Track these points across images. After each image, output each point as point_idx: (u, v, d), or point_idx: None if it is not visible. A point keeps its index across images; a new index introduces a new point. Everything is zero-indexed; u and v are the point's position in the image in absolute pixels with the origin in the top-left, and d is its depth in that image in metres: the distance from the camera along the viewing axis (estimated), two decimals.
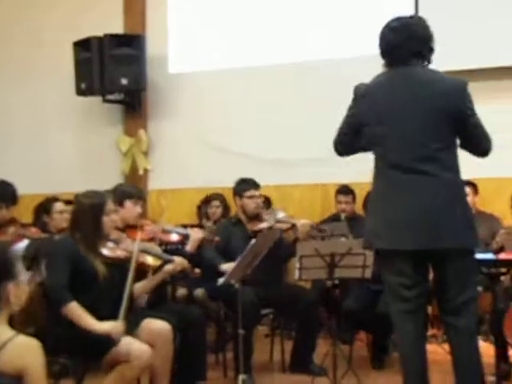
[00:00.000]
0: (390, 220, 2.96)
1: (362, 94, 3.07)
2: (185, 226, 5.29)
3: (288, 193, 6.45)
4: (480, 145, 2.99)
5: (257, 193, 4.79)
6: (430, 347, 4.42)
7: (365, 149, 3.14)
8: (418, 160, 2.92)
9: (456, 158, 3.00)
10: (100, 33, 6.69)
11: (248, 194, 4.76)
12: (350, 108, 3.13)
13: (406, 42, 2.98)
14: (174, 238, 4.23)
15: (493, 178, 5.73)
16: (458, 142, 3.03)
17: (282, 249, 4.60)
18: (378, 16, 5.88)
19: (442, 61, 5.55)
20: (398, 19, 3.06)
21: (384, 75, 3.08)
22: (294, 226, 4.64)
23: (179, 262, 3.87)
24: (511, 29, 5.68)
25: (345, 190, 5.73)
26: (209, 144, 6.79)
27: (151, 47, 6.88)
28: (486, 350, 3.60)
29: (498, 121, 5.46)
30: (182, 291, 5.06)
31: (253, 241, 3.81)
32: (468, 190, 5.60)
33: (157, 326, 3.53)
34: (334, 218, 5.70)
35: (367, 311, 4.64)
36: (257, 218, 4.76)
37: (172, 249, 4.16)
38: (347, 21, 6.35)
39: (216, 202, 6.05)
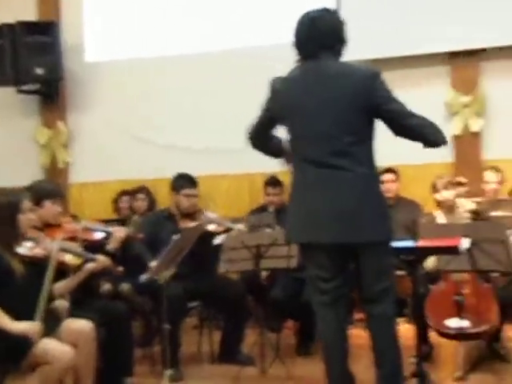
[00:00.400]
0: (306, 214, 2.98)
1: (276, 89, 3.07)
2: (108, 222, 5.20)
3: (215, 183, 6.40)
4: (418, 135, 2.95)
5: (194, 191, 4.72)
6: (356, 331, 4.50)
7: (274, 153, 3.17)
8: (331, 154, 2.93)
9: (371, 151, 3.02)
10: (11, 20, 6.44)
11: (184, 191, 4.69)
12: (266, 102, 3.13)
13: (314, 35, 2.98)
14: (96, 236, 4.13)
15: (413, 165, 5.85)
16: (373, 133, 3.03)
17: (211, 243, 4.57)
18: (301, 3, 5.94)
19: (365, 49, 5.78)
20: (308, 13, 3.06)
21: (297, 69, 3.07)
22: (228, 230, 4.60)
23: (101, 260, 3.80)
24: (428, 18, 5.79)
25: (273, 182, 5.71)
26: (131, 135, 6.66)
27: (66, 35, 6.69)
28: (409, 332, 3.68)
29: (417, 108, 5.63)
30: (107, 286, 4.96)
31: (176, 236, 3.76)
32: (391, 176, 5.73)
33: (78, 325, 3.47)
34: (263, 210, 5.69)
35: (294, 300, 4.67)
36: (190, 216, 4.69)
37: (95, 247, 4.06)
38: (272, 8, 6.33)
39: (141, 195, 5.93)
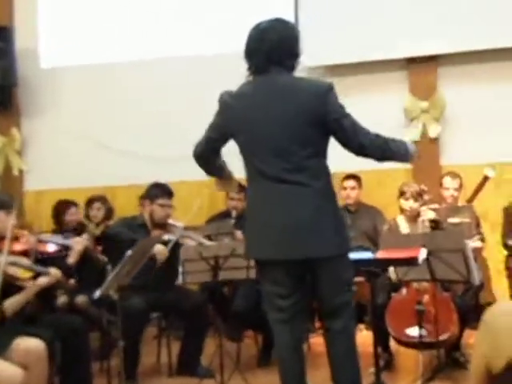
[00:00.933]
0: (261, 230, 2.93)
1: (226, 103, 3.00)
2: (64, 231, 5.08)
3: (174, 190, 6.30)
4: (357, 145, 2.93)
5: (169, 202, 4.61)
6: (317, 339, 4.48)
7: (217, 175, 3.13)
8: (286, 169, 2.88)
9: (325, 164, 2.98)
10: None
11: (160, 201, 4.56)
12: (215, 116, 3.06)
13: (263, 49, 2.91)
14: (52, 248, 4.01)
15: (374, 171, 5.83)
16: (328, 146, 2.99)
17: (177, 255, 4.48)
18: (256, 10, 5.92)
19: (324, 55, 5.77)
20: (259, 24, 2.98)
21: (247, 84, 3.00)
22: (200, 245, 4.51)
23: (54, 273, 3.70)
24: (386, 24, 5.80)
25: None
26: (88, 141, 6.54)
27: (20, 40, 6.53)
28: (370, 339, 3.67)
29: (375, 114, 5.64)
30: (62, 299, 4.85)
31: (129, 251, 3.67)
32: (352, 183, 5.72)
33: (28, 344, 3.36)
34: (226, 215, 5.63)
35: (255, 311, 4.62)
36: (163, 226, 4.59)
37: (53, 259, 3.95)
38: (220, 16, 6.29)
39: (97, 204, 5.77)
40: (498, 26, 5.61)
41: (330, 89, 2.91)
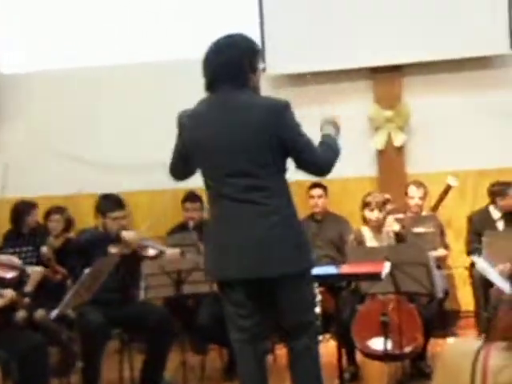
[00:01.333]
0: (221, 250, 2.88)
1: (183, 124, 2.95)
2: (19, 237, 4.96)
3: (136, 199, 6.22)
4: (313, 166, 2.91)
5: (121, 213, 4.47)
6: (284, 351, 4.42)
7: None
8: (245, 189, 2.83)
9: (284, 181, 2.93)
10: None
11: (112, 215, 4.41)
12: (176, 137, 3.01)
13: (218, 65, 2.86)
14: (10, 275, 3.87)
15: (340, 179, 5.82)
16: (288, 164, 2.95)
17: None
18: (221, 19, 5.87)
19: (287, 63, 5.74)
20: (218, 40, 2.93)
21: (204, 102, 2.95)
22: (161, 253, 4.41)
23: (8, 296, 3.60)
24: (351, 33, 5.80)
25: (192, 197, 5.58)
26: (50, 149, 6.41)
27: None
28: (335, 349, 3.63)
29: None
30: (21, 313, 4.72)
31: (87, 270, 3.58)
32: (319, 191, 5.71)
33: None
34: (183, 227, 5.55)
35: (220, 325, 4.53)
36: (118, 239, 4.44)
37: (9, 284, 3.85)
38: (180, 25, 6.21)
39: (56, 216, 5.62)
40: (461, 36, 5.64)
41: (286, 107, 2.86)
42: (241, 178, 2.83)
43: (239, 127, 2.82)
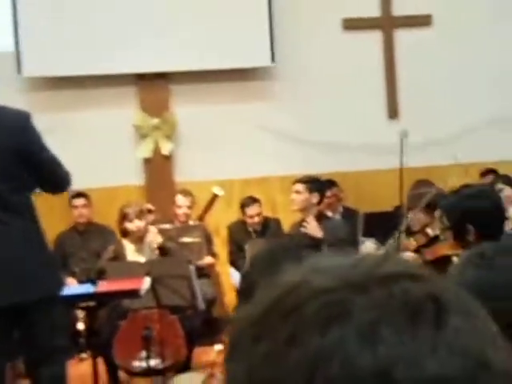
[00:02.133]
0: None
1: None
2: None
3: None
4: (56, 183, 2.79)
5: None
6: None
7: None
8: None
9: (30, 199, 2.75)
10: None
11: None
12: None
13: None
14: None
15: (104, 188, 5.64)
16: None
17: None
18: None
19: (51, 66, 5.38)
20: None
21: None
22: None
23: None
24: (117, 38, 5.63)
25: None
26: None
27: None
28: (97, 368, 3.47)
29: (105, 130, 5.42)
30: None
31: None
32: (82, 201, 5.47)
33: None
34: None
35: None
36: None
37: None
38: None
39: None
40: (226, 47, 5.74)
41: (27, 118, 2.69)
42: None
43: None
